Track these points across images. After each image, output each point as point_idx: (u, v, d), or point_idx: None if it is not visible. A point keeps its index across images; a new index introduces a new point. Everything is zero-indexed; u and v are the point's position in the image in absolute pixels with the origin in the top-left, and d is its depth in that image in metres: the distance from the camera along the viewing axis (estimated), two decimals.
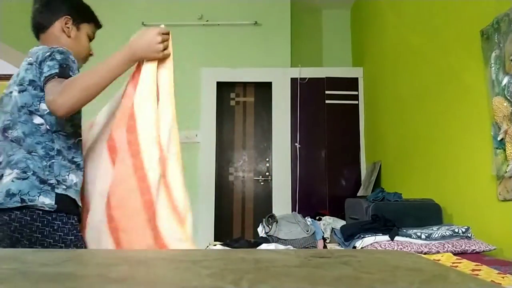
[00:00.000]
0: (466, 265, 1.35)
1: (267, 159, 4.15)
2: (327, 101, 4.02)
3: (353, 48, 4.57)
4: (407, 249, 1.65)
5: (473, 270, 1.28)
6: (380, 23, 3.56)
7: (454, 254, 1.56)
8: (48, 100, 1.13)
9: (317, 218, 2.96)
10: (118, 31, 4.48)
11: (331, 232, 2.62)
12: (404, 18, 2.99)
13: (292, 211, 3.66)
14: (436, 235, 1.72)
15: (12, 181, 1.17)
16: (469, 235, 1.74)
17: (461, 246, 1.66)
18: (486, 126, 1.83)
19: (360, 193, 3.67)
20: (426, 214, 2.07)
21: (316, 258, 0.56)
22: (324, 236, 2.51)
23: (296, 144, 3.98)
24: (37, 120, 1.22)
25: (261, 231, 2.44)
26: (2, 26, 3.60)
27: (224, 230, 3.90)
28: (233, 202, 4.07)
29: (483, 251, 1.67)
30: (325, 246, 2.37)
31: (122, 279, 0.43)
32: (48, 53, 1.21)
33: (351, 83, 4.07)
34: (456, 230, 1.74)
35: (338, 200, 3.37)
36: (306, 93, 4.04)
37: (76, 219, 1.23)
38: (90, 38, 1.43)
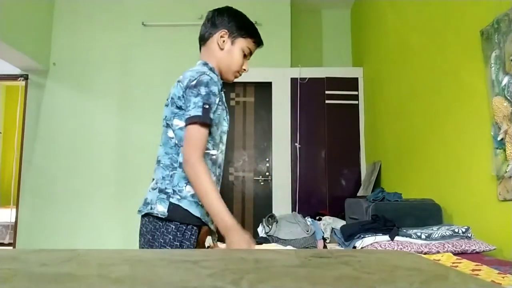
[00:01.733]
0: (466, 265, 1.35)
1: (267, 159, 4.15)
2: (327, 101, 4.02)
3: (353, 48, 4.57)
4: (407, 249, 1.65)
5: (473, 270, 1.28)
6: (380, 23, 3.56)
7: (454, 254, 1.56)
8: (185, 153, 1.24)
9: (317, 218, 2.96)
10: (118, 31, 4.49)
11: (331, 232, 2.62)
12: (404, 18, 2.99)
13: (292, 211, 3.66)
14: (436, 235, 1.72)
15: (149, 191, 1.33)
16: (469, 235, 1.74)
17: (461, 246, 1.66)
18: (486, 126, 1.83)
19: (360, 193, 3.67)
20: (426, 214, 2.07)
21: (316, 258, 0.56)
22: (324, 236, 2.51)
23: (296, 144, 3.98)
24: (170, 133, 1.34)
25: (261, 231, 2.44)
26: (2, 26, 3.60)
27: None
28: (233, 202, 4.07)
29: (483, 251, 1.67)
30: (325, 246, 2.37)
31: (122, 279, 0.43)
32: (194, 82, 1.29)
33: (351, 83, 4.07)
34: (456, 230, 1.74)
35: (338, 200, 3.37)
36: (306, 93, 4.04)
37: (188, 227, 1.28)
38: (245, 54, 1.43)
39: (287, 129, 4.00)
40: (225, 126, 1.41)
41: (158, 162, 1.36)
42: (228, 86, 4.29)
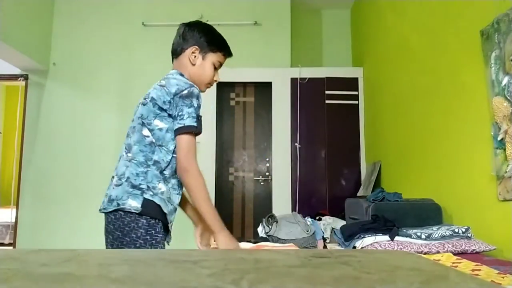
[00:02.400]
0: (466, 265, 1.35)
1: (267, 159, 4.15)
2: (327, 101, 4.02)
3: (353, 48, 4.57)
4: (407, 249, 1.65)
5: (473, 270, 1.28)
6: (380, 23, 3.56)
7: (454, 254, 1.56)
8: (181, 159, 1.33)
9: (317, 218, 2.96)
10: (118, 31, 4.49)
11: (331, 232, 2.62)
12: (404, 18, 2.99)
13: (292, 211, 3.66)
14: (436, 235, 1.72)
15: (113, 187, 1.37)
16: (469, 235, 1.74)
17: (461, 246, 1.66)
18: (486, 126, 1.83)
19: (360, 193, 3.67)
20: (426, 214, 2.07)
21: (316, 258, 0.56)
22: (324, 236, 2.50)
23: (296, 144, 3.98)
24: (145, 132, 1.38)
25: (261, 231, 2.43)
26: (2, 26, 3.60)
27: None
28: (233, 202, 4.07)
29: (483, 251, 1.67)
30: (325, 246, 2.37)
31: (122, 279, 0.43)
32: (186, 91, 1.36)
33: (351, 83, 4.07)
34: (456, 230, 1.74)
35: (338, 200, 3.37)
36: (306, 93, 4.04)
37: (158, 222, 1.35)
38: (215, 66, 1.52)
39: (287, 129, 4.01)
40: None
41: (131, 160, 1.40)
42: (228, 86, 4.30)
